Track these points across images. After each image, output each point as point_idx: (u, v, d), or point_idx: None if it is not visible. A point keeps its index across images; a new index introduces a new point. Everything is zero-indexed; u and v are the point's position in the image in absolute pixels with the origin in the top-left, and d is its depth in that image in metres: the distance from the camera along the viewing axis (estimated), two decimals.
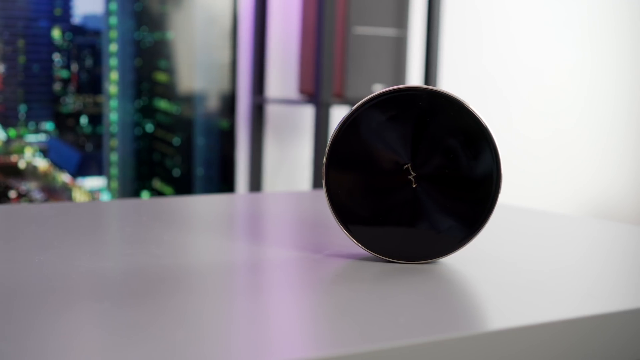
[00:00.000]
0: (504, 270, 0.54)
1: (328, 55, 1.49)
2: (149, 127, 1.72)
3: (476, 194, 0.53)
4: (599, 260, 0.61)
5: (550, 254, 0.60)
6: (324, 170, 0.54)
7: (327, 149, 0.54)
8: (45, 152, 1.61)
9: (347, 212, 0.54)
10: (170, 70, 1.71)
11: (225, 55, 1.71)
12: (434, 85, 1.65)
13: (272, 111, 1.79)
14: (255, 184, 1.74)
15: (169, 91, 1.71)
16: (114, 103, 1.68)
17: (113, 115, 1.68)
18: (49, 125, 1.61)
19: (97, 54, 1.65)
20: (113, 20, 1.66)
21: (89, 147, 1.66)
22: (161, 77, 1.71)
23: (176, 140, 1.75)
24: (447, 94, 0.53)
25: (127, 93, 1.69)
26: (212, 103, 1.71)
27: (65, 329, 0.38)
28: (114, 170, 1.69)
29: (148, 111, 1.71)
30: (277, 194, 0.97)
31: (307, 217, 0.75)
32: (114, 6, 1.65)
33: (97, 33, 1.64)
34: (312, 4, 1.61)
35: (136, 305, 0.42)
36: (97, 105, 1.66)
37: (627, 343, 0.44)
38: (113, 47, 1.67)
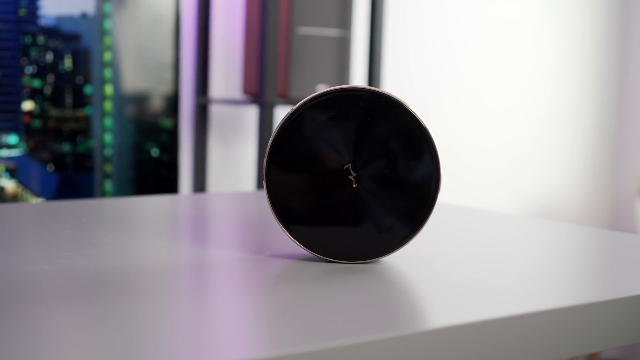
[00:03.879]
0: (443, 269, 0.54)
1: (272, 56, 1.48)
2: (155, 152, 1.51)
3: (416, 193, 0.53)
4: (537, 258, 0.62)
5: (489, 253, 0.61)
6: (264, 170, 0.54)
7: (267, 148, 0.54)
8: (12, 171, 1.42)
9: (288, 212, 0.54)
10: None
11: (168, 55, 1.69)
12: (377, 86, 1.67)
13: (216, 111, 1.78)
14: (199, 184, 1.72)
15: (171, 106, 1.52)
16: (108, 122, 1.47)
17: (108, 137, 1.47)
18: (11, 139, 1.41)
19: (78, 61, 1.46)
20: (108, 24, 1.46)
21: (70, 168, 1.47)
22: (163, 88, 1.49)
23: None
24: (388, 95, 0.53)
25: (123, 110, 1.48)
26: (155, 103, 1.69)
27: None
28: None
29: (151, 131, 1.49)
30: (220, 195, 0.96)
31: (250, 218, 0.75)
32: (109, 7, 1.45)
33: (75, 37, 1.46)
34: (255, 3, 1.60)
35: (73, 309, 0.41)
36: (78, 120, 1.46)
37: (563, 340, 0.45)
38: (108, 56, 1.45)
